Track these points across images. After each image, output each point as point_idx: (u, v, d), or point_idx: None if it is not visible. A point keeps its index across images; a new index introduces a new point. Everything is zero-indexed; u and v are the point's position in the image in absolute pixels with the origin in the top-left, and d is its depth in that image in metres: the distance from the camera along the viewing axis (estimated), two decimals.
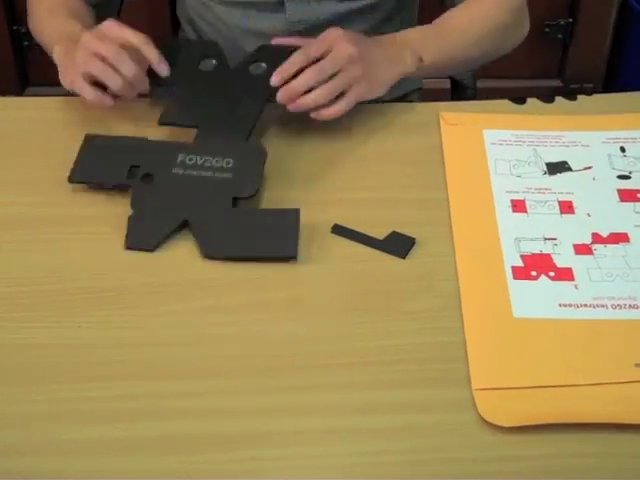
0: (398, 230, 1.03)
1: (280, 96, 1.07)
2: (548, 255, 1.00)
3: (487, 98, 1.24)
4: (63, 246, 1.02)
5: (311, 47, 1.09)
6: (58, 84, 1.14)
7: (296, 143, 1.14)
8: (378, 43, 1.15)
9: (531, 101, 1.22)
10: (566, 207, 1.06)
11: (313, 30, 1.28)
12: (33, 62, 2.22)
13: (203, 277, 0.98)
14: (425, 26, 1.22)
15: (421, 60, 1.17)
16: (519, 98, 1.23)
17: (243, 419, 0.86)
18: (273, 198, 1.06)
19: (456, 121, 1.17)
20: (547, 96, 1.23)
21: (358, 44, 1.10)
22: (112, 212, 1.04)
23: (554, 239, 1.02)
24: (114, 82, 1.08)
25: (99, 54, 1.08)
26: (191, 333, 0.93)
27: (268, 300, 0.96)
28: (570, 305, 0.95)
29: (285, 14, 1.27)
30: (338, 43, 1.09)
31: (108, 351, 0.91)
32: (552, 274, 0.98)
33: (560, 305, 0.95)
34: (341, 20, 1.29)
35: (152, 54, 1.11)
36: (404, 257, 1.00)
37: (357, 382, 0.89)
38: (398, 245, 1.02)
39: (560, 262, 0.99)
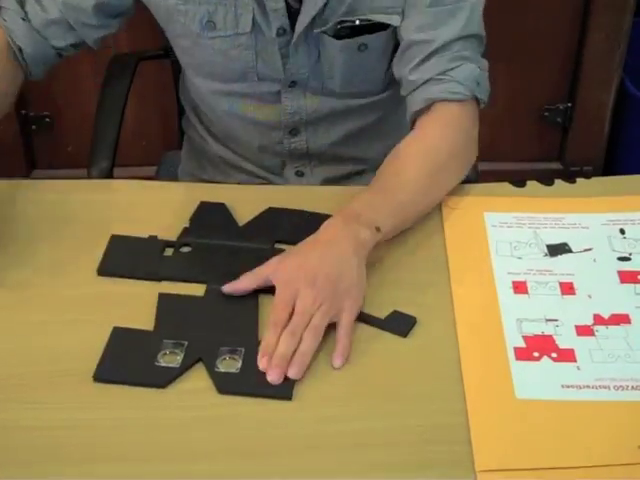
0: (399, 309, 1.03)
1: (272, 376, 0.96)
2: (550, 336, 1.00)
3: (487, 181, 1.26)
4: (77, 328, 1.02)
5: (276, 313, 1.01)
6: (64, 167, 1.16)
7: None
8: (326, 243, 1.05)
9: (531, 184, 1.23)
10: (567, 288, 1.06)
11: (309, 123, 1.32)
12: (39, 145, 2.26)
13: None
14: (370, 190, 1.13)
15: (378, 230, 1.08)
16: (519, 181, 1.24)
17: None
18: None
19: (457, 204, 1.18)
20: (547, 179, 1.24)
21: (315, 278, 1.01)
22: (134, 293, 1.06)
23: (556, 320, 1.02)
24: None
25: None
26: (192, 415, 0.93)
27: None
28: (572, 386, 0.95)
29: (281, 104, 1.30)
30: (297, 296, 1.01)
31: (110, 432, 0.91)
32: (554, 355, 0.98)
33: (562, 386, 0.95)
34: (337, 115, 1.32)
35: None
36: (405, 336, 1.00)
37: (355, 465, 0.88)
38: (399, 324, 1.02)
39: (562, 343, 0.99)
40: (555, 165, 2.36)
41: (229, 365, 0.97)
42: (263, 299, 1.05)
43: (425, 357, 0.99)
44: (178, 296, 1.06)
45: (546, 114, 2.29)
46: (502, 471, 0.87)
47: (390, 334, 1.01)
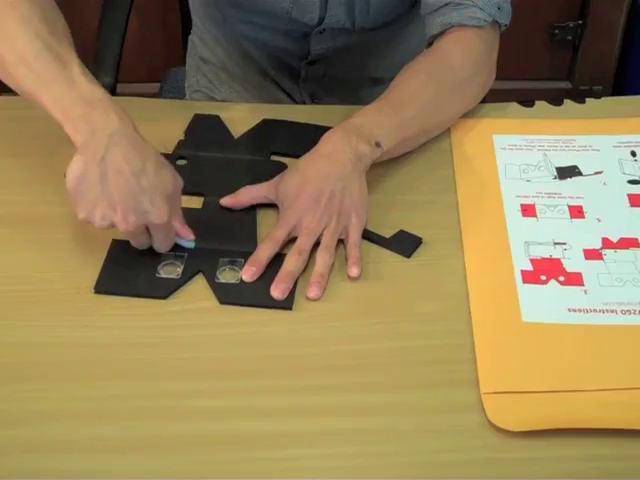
0: (405, 230, 1.04)
1: (276, 292, 0.97)
2: (558, 260, 1.00)
3: (495, 100, 1.24)
4: (68, 245, 1.02)
5: (276, 230, 1.01)
6: None
7: None
8: (326, 157, 1.04)
9: (539, 104, 1.23)
10: (576, 212, 1.06)
11: (331, 55, 1.30)
12: None
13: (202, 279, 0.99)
14: (377, 103, 1.11)
15: (378, 145, 1.06)
16: (527, 101, 1.23)
17: (248, 420, 0.86)
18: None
19: (466, 126, 1.17)
20: (556, 99, 1.23)
21: (319, 197, 1.01)
22: None
23: (564, 244, 1.02)
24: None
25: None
26: (195, 333, 0.93)
27: None
28: (579, 310, 0.95)
29: (308, 42, 1.28)
30: (301, 215, 1.01)
31: (114, 350, 0.92)
32: (562, 279, 0.98)
33: (569, 310, 0.95)
34: (361, 46, 1.30)
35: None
36: (409, 256, 1.00)
37: (364, 383, 0.89)
38: (405, 244, 1.02)
39: (570, 267, 0.99)
40: (564, 84, 2.34)
41: (229, 276, 0.98)
42: (261, 211, 1.06)
43: (430, 278, 0.99)
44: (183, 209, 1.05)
45: (556, 32, 2.26)
46: (507, 393, 0.87)
47: (395, 254, 1.01)
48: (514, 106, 1.23)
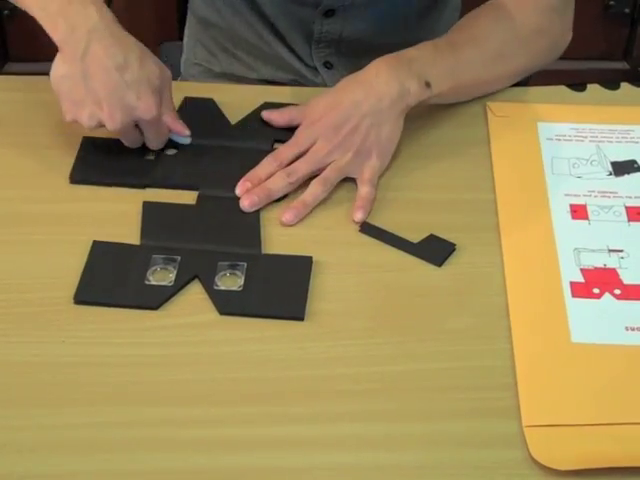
0: (436, 234, 1.04)
1: (245, 202, 1.05)
2: (613, 270, 1.00)
3: (541, 84, 1.25)
4: (47, 249, 1.02)
5: (282, 148, 1.08)
6: (42, 60, 1.15)
7: None
8: (366, 85, 1.09)
9: (592, 87, 1.24)
10: (634, 214, 1.06)
11: (349, 8, 1.31)
12: (14, 35, 2.24)
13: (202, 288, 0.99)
14: (437, 41, 1.16)
15: (428, 85, 1.10)
16: (578, 84, 1.24)
17: (246, 452, 0.86)
18: (294, 194, 1.07)
19: (506, 112, 1.18)
20: (611, 81, 1.24)
21: (342, 126, 1.06)
22: (114, 202, 1.07)
23: (620, 251, 1.02)
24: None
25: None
26: (189, 352, 0.93)
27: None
28: (639, 329, 0.95)
29: None
30: (314, 142, 1.07)
31: (95, 370, 0.91)
32: (618, 292, 0.98)
33: (627, 329, 0.95)
34: (384, 5, 1.31)
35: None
36: (440, 265, 1.01)
37: (386, 412, 0.89)
38: (435, 251, 1.02)
39: (627, 278, 0.99)
40: (620, 64, 2.34)
41: (230, 282, 0.98)
42: (265, 209, 1.07)
43: (464, 289, 1.00)
44: (166, 205, 1.06)
45: (611, 3, 2.26)
46: (553, 427, 0.87)
47: (424, 262, 1.02)
48: (562, 90, 1.23)
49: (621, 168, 1.11)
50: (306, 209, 1.04)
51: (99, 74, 1.01)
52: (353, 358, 0.93)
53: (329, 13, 1.32)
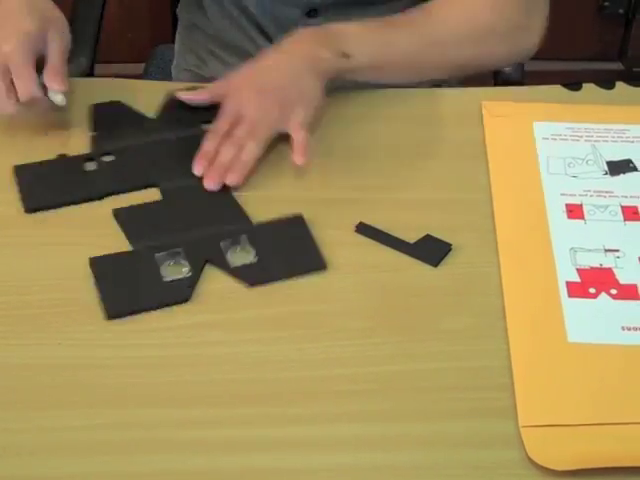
0: (432, 234, 1.03)
1: (209, 182, 1.07)
2: (609, 269, 1.00)
3: (536, 83, 1.25)
4: (42, 250, 1.02)
5: (218, 122, 1.11)
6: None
7: (314, 131, 1.14)
8: (282, 51, 1.15)
9: (587, 87, 1.23)
10: (630, 213, 1.06)
11: (330, 6, 1.31)
12: None
13: (202, 289, 0.99)
14: (369, 20, 1.18)
15: (346, 56, 1.14)
16: (573, 83, 1.23)
17: (245, 453, 0.86)
18: (287, 195, 1.08)
19: (501, 112, 1.18)
20: (606, 81, 1.24)
21: (262, 87, 1.12)
22: (98, 211, 1.06)
23: (616, 251, 1.02)
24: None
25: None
26: (187, 353, 0.93)
27: (276, 316, 0.97)
28: (635, 329, 0.94)
29: None
30: (242, 108, 1.10)
31: (92, 372, 0.91)
32: (614, 292, 0.98)
33: (623, 329, 0.95)
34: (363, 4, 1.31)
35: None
36: (436, 265, 1.01)
37: (384, 412, 0.89)
38: (431, 251, 1.02)
39: (623, 278, 0.99)
40: (615, 65, 2.34)
41: (243, 257, 1.01)
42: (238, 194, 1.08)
43: (460, 289, 0.99)
44: (136, 207, 1.07)
45: (606, 4, 2.26)
46: (550, 427, 0.87)
47: (420, 262, 1.01)
48: (558, 89, 1.23)
49: (616, 167, 1.11)
50: (246, 167, 1.08)
51: None
52: (351, 359, 0.93)
53: (312, 13, 1.33)
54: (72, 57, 1.38)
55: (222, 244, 1.01)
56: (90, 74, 1.39)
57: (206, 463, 0.85)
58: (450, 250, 1.02)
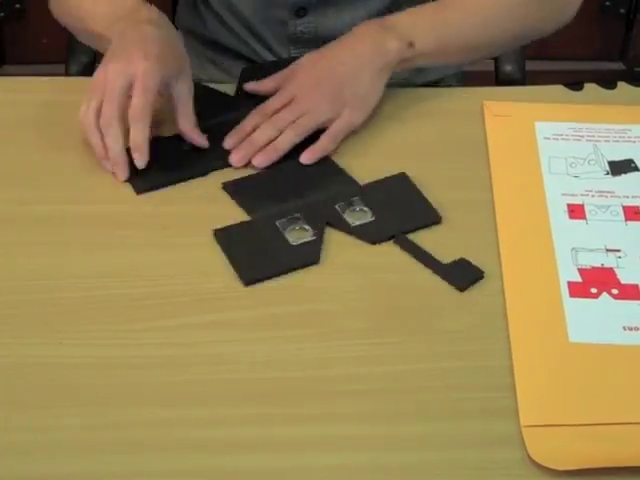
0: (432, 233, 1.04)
1: (235, 156, 1.11)
2: (611, 269, 1.00)
3: (538, 82, 1.25)
4: (40, 250, 1.02)
5: (268, 101, 1.14)
6: (38, 62, 1.15)
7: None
8: (347, 47, 1.16)
9: (589, 87, 1.23)
10: (632, 213, 1.06)
11: (320, 3, 1.31)
12: (10, 37, 2.24)
13: (202, 288, 0.99)
14: (420, 6, 1.20)
15: (411, 45, 1.15)
16: (575, 83, 1.23)
17: (245, 452, 0.86)
18: None
19: (503, 111, 1.18)
20: (608, 81, 1.24)
21: (321, 79, 1.14)
22: (99, 212, 1.06)
23: (618, 251, 1.02)
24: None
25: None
26: (188, 353, 0.93)
27: (276, 315, 0.97)
28: (636, 329, 0.94)
29: None
30: (296, 93, 1.13)
31: (94, 372, 0.91)
32: (615, 292, 0.98)
33: (625, 328, 0.95)
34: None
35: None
36: (463, 290, 0.99)
37: (380, 412, 0.89)
38: (462, 275, 1.00)
39: (625, 278, 0.99)
40: (617, 65, 2.34)
41: (361, 216, 1.05)
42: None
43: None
44: (244, 179, 1.10)
45: (607, 3, 2.26)
46: (551, 426, 0.87)
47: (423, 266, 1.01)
48: (560, 89, 1.23)
49: (618, 167, 1.11)
50: (277, 154, 1.10)
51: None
52: (351, 359, 0.93)
53: (301, 12, 1.33)
54: (74, 57, 1.40)
55: (337, 206, 1.05)
56: (91, 72, 1.39)
57: (206, 463, 0.85)
58: (482, 277, 1.00)
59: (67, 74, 1.42)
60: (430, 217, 1.04)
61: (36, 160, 1.12)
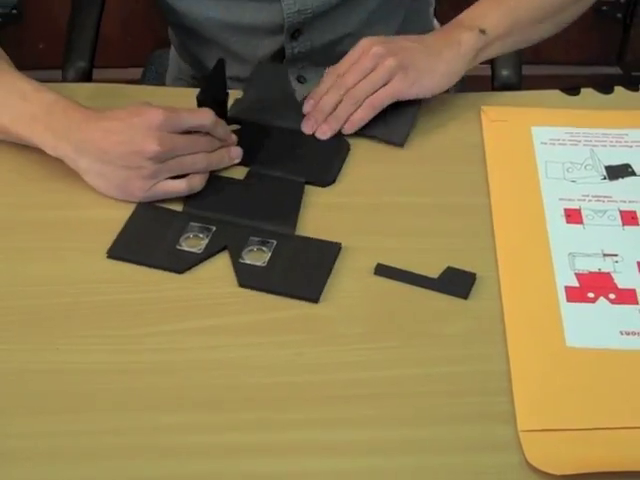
0: (429, 239, 1.03)
1: (306, 124, 1.15)
2: (608, 274, 1.00)
3: (535, 87, 1.25)
4: (37, 256, 1.02)
5: (339, 65, 1.16)
6: (35, 67, 1.15)
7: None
8: (419, 39, 1.17)
9: (586, 91, 1.23)
10: (629, 218, 1.06)
11: (314, 21, 1.30)
12: (7, 42, 2.23)
13: (199, 293, 0.99)
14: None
15: (483, 32, 1.17)
16: (572, 88, 1.23)
17: (245, 458, 0.86)
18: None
19: (500, 117, 1.18)
20: (604, 86, 1.24)
21: (388, 42, 1.14)
22: (96, 217, 1.06)
23: (615, 255, 1.02)
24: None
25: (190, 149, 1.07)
26: (186, 358, 0.93)
27: (275, 320, 0.97)
28: (633, 333, 0.95)
29: (281, 4, 1.28)
30: (364, 52, 1.14)
31: (92, 378, 0.91)
32: (612, 296, 0.98)
33: (622, 333, 0.95)
34: (344, 8, 1.30)
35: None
36: (467, 297, 0.98)
37: (381, 417, 0.89)
38: (457, 283, 0.99)
39: (622, 282, 0.99)
40: (613, 69, 2.34)
41: (256, 257, 1.01)
42: (309, 191, 1.09)
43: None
44: (214, 177, 1.10)
45: (604, 8, 2.26)
46: (549, 431, 0.87)
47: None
48: (556, 94, 1.23)
49: (615, 172, 1.11)
50: (348, 130, 1.14)
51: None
52: (349, 364, 0.93)
53: (296, 34, 1.31)
54: (71, 62, 1.40)
55: (250, 239, 1.03)
56: (88, 78, 1.39)
57: (205, 468, 0.85)
58: (475, 280, 1.00)
59: (64, 80, 1.42)
60: (309, 293, 0.98)
61: (33, 165, 1.11)
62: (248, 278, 0.99)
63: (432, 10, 1.52)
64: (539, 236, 1.04)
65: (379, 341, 0.95)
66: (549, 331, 0.95)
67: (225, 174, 1.10)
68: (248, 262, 1.01)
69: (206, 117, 1.07)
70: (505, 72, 1.46)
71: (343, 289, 0.99)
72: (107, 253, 1.01)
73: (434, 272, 1.00)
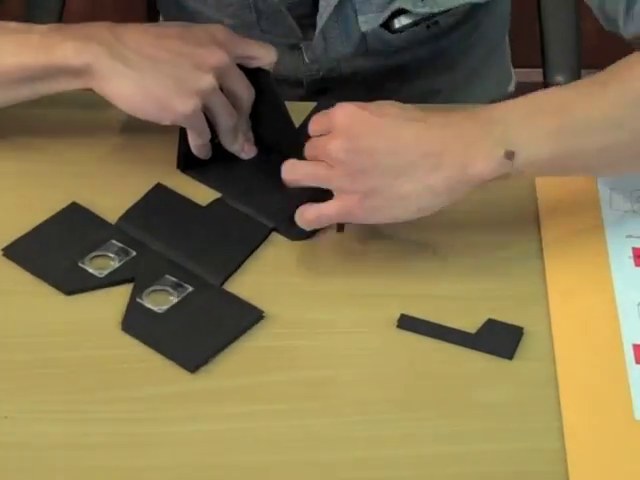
0: (465, 285, 1.03)
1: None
2: None
3: None
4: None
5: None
6: None
7: None
8: (424, 129, 1.00)
9: None
10: None
11: (344, 81, 1.34)
12: None
13: None
14: (524, 97, 1.01)
15: (509, 154, 0.96)
16: None
17: None
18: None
19: None
20: None
21: (359, 138, 0.99)
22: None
23: None
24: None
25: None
26: (161, 431, 0.92)
27: (272, 384, 0.96)
28: None
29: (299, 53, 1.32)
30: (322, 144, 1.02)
31: (45, 454, 0.90)
32: None
33: None
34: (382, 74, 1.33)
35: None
36: (511, 357, 0.97)
37: None
38: (499, 339, 0.98)
39: None
40: None
41: (156, 301, 1.01)
42: (275, 239, 1.09)
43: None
44: (175, 195, 1.12)
45: None
46: None
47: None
48: None
49: None
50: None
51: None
52: (364, 439, 0.92)
53: (320, 92, 1.35)
54: None
55: (166, 277, 1.03)
56: None
57: None
58: (522, 335, 0.99)
59: None
60: (185, 360, 0.96)
61: None
62: (133, 323, 0.99)
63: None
64: (602, 283, 1.04)
65: (401, 411, 0.94)
66: (614, 400, 0.94)
67: (192, 195, 1.11)
68: (145, 304, 1.00)
69: (271, 54, 1.11)
70: (560, 78, 1.45)
71: (354, 347, 0.99)
72: (2, 250, 1.04)
73: (471, 325, 0.99)
